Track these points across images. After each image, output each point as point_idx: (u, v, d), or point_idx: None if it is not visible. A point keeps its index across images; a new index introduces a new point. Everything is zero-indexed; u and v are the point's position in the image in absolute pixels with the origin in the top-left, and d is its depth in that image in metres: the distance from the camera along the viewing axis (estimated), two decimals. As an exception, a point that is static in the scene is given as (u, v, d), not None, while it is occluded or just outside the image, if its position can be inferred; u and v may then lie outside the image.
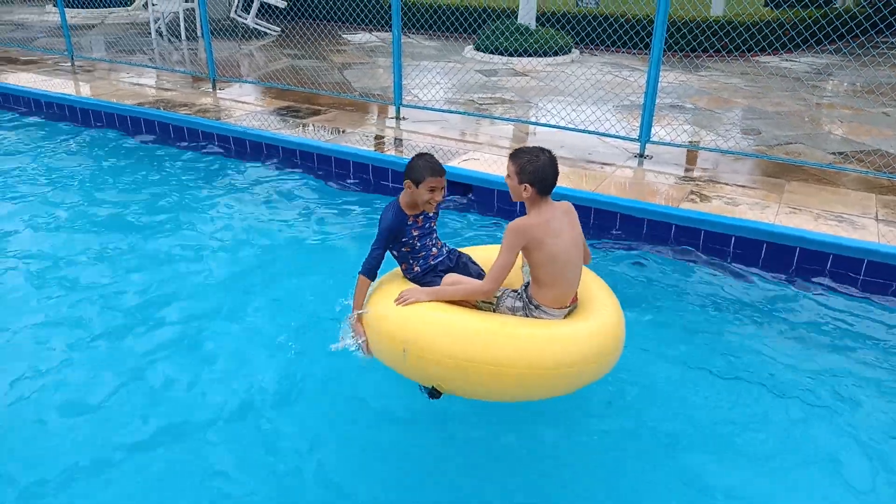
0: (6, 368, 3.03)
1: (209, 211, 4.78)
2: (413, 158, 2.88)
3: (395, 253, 3.03)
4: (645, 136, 5.39)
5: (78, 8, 12.40)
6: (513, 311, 2.76)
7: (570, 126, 5.79)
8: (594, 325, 2.60)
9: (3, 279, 3.81)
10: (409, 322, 2.58)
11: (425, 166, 2.81)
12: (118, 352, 3.18)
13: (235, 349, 3.23)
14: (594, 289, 2.86)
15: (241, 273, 3.96)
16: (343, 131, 5.97)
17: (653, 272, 4.06)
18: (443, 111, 6.56)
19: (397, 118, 6.38)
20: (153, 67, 8.38)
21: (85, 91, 7.17)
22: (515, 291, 2.81)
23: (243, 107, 6.72)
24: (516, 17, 10.24)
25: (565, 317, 2.72)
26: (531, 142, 5.87)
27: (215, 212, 4.76)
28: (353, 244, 4.31)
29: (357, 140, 5.72)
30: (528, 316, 2.72)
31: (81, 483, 2.47)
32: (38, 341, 3.25)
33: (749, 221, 4.21)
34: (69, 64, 8.39)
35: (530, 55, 9.41)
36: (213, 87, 7.37)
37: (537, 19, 10.26)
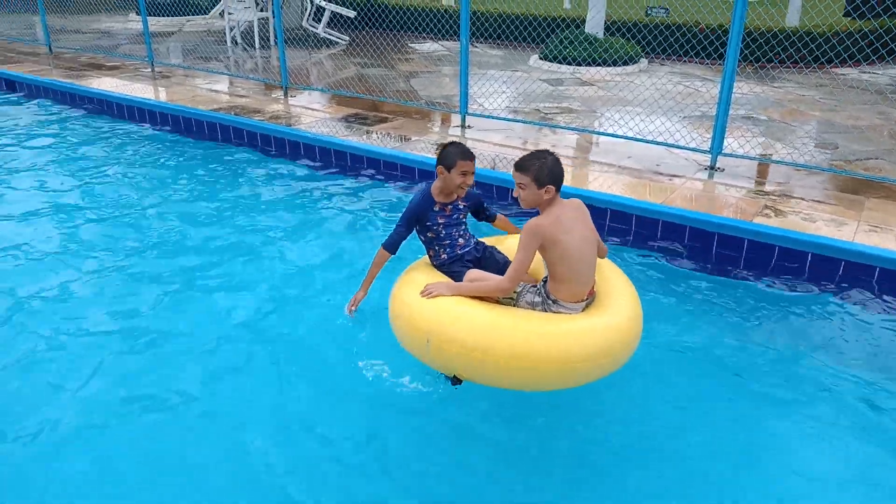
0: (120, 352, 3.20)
1: (277, 211, 4.92)
2: (444, 146, 3.04)
3: (422, 238, 3.20)
4: (717, 148, 5.26)
5: (158, 16, 12.96)
6: (532, 305, 2.85)
7: (638, 137, 5.70)
8: (608, 320, 2.70)
9: (90, 266, 4.02)
10: (433, 315, 2.71)
11: (456, 152, 2.99)
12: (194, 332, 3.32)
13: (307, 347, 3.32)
14: (613, 281, 2.95)
15: (310, 268, 4.08)
16: (409, 139, 6.05)
17: (724, 289, 3.95)
18: (508, 120, 6.56)
19: (462, 126, 6.42)
20: (228, 74, 8.69)
21: (163, 96, 7.49)
22: (535, 287, 2.91)
23: (313, 114, 6.89)
24: (584, 27, 10.16)
25: (583, 310, 2.81)
26: (596, 152, 5.81)
27: (283, 211, 4.90)
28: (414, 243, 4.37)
29: (422, 147, 5.79)
30: (546, 310, 2.81)
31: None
32: (127, 324, 3.41)
33: (827, 239, 4.05)
34: (149, 70, 8.78)
35: (597, 64, 9.32)
36: (285, 95, 7.58)
37: (605, 28, 10.15)
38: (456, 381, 2.82)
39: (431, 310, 2.74)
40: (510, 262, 3.04)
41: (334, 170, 5.82)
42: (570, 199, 2.85)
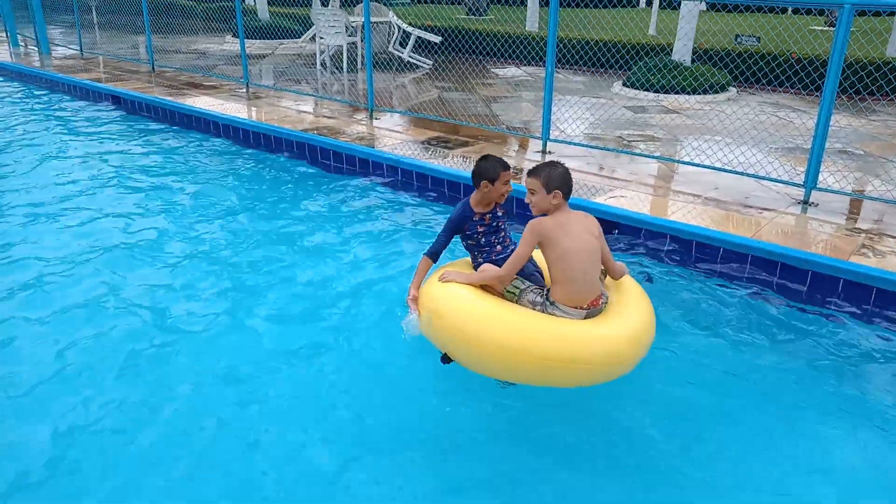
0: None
1: (354, 226, 5.06)
2: (480, 162, 3.24)
3: (464, 244, 3.44)
4: (811, 182, 5.05)
5: (253, 39, 13.59)
6: (532, 304, 3.02)
7: (726, 167, 5.55)
8: (592, 329, 2.83)
9: (181, 277, 4.23)
10: (436, 296, 3.08)
11: (497, 165, 3.19)
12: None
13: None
14: (627, 297, 3.08)
15: (387, 279, 4.18)
16: (490, 163, 6.09)
17: (817, 328, 3.77)
18: (590, 146, 6.51)
19: (543, 152, 6.42)
20: (317, 96, 9.00)
21: (256, 115, 7.83)
22: (539, 289, 3.08)
23: (396, 136, 7.04)
24: (670, 54, 10.01)
25: (585, 318, 2.94)
26: (679, 181, 5.68)
27: (362, 227, 5.02)
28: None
29: (503, 172, 5.81)
30: (543, 311, 2.96)
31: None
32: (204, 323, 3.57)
33: (932, 282, 3.81)
34: (244, 90, 9.20)
35: (683, 92, 9.14)
36: (370, 117, 7.78)
37: (693, 56, 9.96)
38: (445, 359, 3.09)
39: (436, 292, 3.09)
40: (538, 269, 3.35)
41: (414, 192, 5.92)
42: (583, 212, 3.05)
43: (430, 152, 6.40)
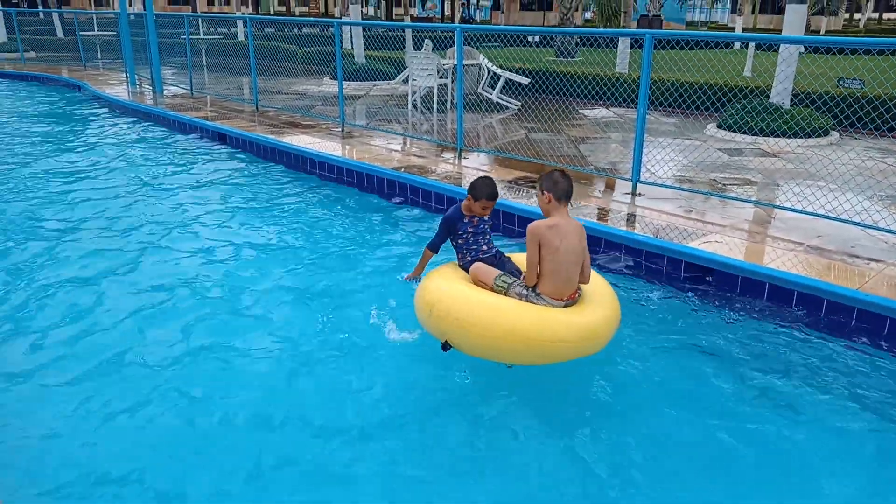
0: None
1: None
2: (478, 179, 3.90)
3: (454, 243, 4.02)
4: (925, 233, 4.73)
5: (349, 81, 14.17)
6: (519, 296, 3.55)
7: (830, 214, 5.29)
8: (571, 315, 3.42)
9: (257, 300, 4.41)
10: (436, 290, 3.62)
11: (485, 191, 3.86)
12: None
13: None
14: (599, 291, 3.70)
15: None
16: (578, 203, 6.06)
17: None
18: (683, 189, 6.37)
19: (633, 194, 6.32)
20: (407, 136, 9.26)
21: (350, 153, 8.13)
22: (522, 283, 3.62)
23: (484, 174, 7.12)
24: (767, 96, 9.71)
25: (564, 307, 3.52)
26: (778, 227, 5.45)
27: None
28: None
29: (589, 213, 5.76)
30: (528, 301, 3.51)
31: None
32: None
33: None
34: (339, 129, 9.59)
35: (781, 135, 8.82)
36: (459, 156, 7.92)
37: (792, 99, 9.62)
38: (445, 346, 3.55)
39: (435, 287, 3.66)
40: (517, 268, 3.95)
41: (499, 231, 5.95)
42: (577, 221, 3.59)
43: (516, 192, 6.43)
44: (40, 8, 28.48)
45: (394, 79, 13.43)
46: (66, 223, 6.17)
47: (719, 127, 9.59)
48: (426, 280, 3.82)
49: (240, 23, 22.75)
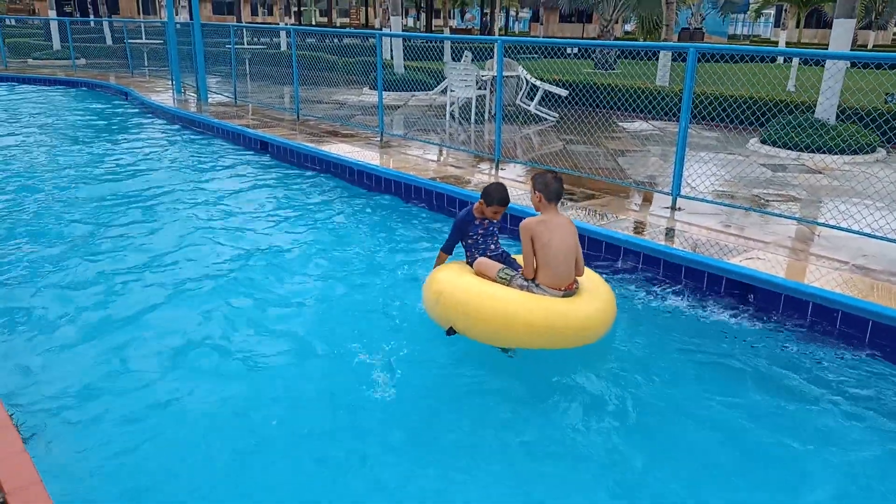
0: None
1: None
2: (491, 185, 4.15)
3: (463, 244, 4.31)
4: (978, 254, 4.59)
5: (388, 91, 14.32)
6: (521, 287, 3.87)
7: (876, 233, 5.16)
8: (570, 304, 3.75)
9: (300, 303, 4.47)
10: (443, 281, 3.99)
11: (496, 197, 4.10)
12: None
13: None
14: (595, 284, 4.04)
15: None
16: (616, 217, 6.02)
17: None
18: (724, 205, 6.28)
19: (673, 208, 6.25)
20: (444, 146, 9.31)
21: (387, 162, 8.21)
22: (523, 276, 3.93)
23: (520, 185, 7.13)
24: (811, 111, 9.52)
25: (562, 297, 3.83)
26: (822, 245, 5.33)
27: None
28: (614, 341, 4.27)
29: (626, 227, 5.72)
30: (529, 291, 3.83)
31: None
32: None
33: None
34: (378, 138, 9.69)
35: (826, 152, 8.64)
36: (496, 167, 7.94)
37: (837, 115, 9.42)
38: (451, 331, 3.88)
39: (443, 280, 4.00)
40: (521, 267, 4.11)
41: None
42: (566, 217, 3.97)
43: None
44: (91, 16, 29.43)
45: (432, 89, 13.54)
46: (111, 225, 6.35)
47: (762, 142, 9.44)
48: (434, 273, 4.18)
49: (283, 33, 23.19)
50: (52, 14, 24.15)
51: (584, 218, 5.94)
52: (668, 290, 5.00)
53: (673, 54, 15.12)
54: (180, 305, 4.66)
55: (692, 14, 34.44)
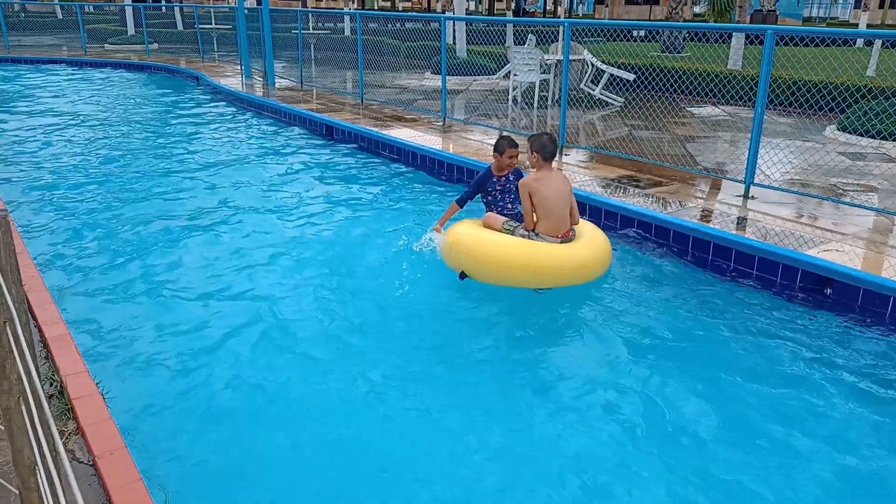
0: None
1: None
2: (498, 139, 4.77)
3: (483, 200, 4.92)
4: None
5: (450, 75, 14.30)
6: (523, 236, 4.45)
7: (968, 226, 4.88)
8: (567, 248, 4.36)
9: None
10: (456, 232, 4.63)
11: (506, 143, 4.72)
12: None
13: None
14: (590, 233, 4.60)
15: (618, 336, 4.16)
16: (684, 204, 5.87)
17: None
18: (800, 194, 6.05)
19: (745, 196, 6.05)
20: (506, 131, 9.25)
21: (449, 147, 8.22)
22: (524, 228, 4.50)
23: (585, 172, 7.03)
24: (894, 97, 9.04)
25: (560, 244, 4.41)
26: (908, 239, 5.08)
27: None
28: (673, 325, 4.19)
29: (694, 215, 5.57)
30: (531, 239, 4.41)
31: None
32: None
33: None
34: (440, 123, 9.70)
35: (911, 140, 8.19)
36: (560, 153, 7.84)
37: (924, 100, 8.90)
38: (462, 276, 4.49)
39: (456, 231, 4.64)
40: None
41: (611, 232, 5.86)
42: (559, 172, 4.57)
43: (620, 191, 6.30)
44: (163, 2, 30.40)
45: (494, 74, 13.43)
46: (185, 201, 6.58)
47: (841, 129, 9.02)
48: (449, 227, 4.78)
49: (346, 18, 23.41)
50: (128, 0, 25.03)
51: (652, 205, 5.82)
52: (740, 281, 4.87)
53: (746, 37, 14.57)
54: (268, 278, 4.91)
55: (765, -5, 33.01)
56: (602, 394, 3.53)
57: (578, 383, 3.64)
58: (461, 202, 4.89)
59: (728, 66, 14.17)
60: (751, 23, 24.84)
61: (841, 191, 6.34)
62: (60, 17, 31.77)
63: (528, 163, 4.59)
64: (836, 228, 5.29)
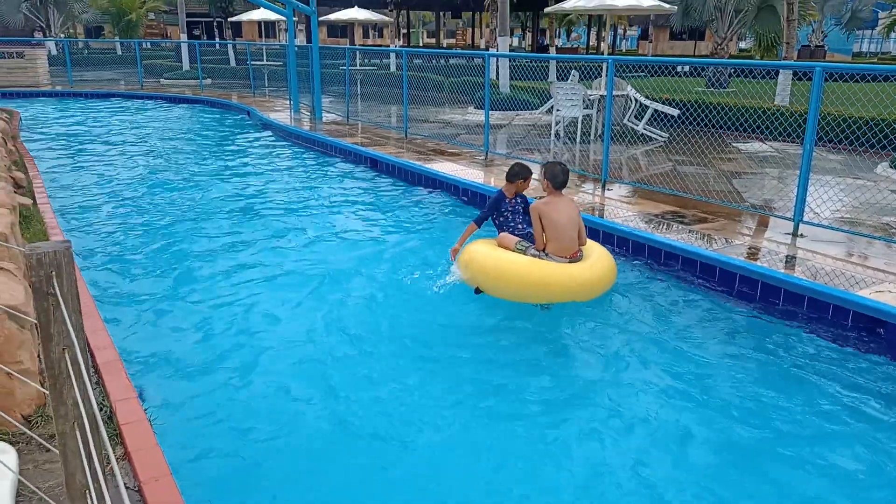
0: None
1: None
2: (513, 167, 5.30)
3: (495, 222, 5.32)
4: None
5: (493, 110, 14.45)
6: (534, 256, 4.80)
7: None
8: (575, 268, 4.74)
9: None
10: (472, 251, 5.04)
11: (518, 174, 5.26)
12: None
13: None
14: (597, 254, 4.96)
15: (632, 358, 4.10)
16: (732, 242, 5.78)
17: None
18: (851, 233, 5.89)
19: (794, 235, 5.92)
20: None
21: (490, 181, 8.27)
22: (536, 249, 4.89)
23: (628, 207, 6.99)
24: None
25: (569, 263, 4.80)
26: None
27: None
28: (723, 366, 4.10)
29: (741, 253, 5.47)
30: (542, 259, 4.80)
31: None
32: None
33: None
34: (482, 157, 9.79)
35: (969, 178, 7.92)
36: (603, 188, 7.82)
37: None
38: (478, 291, 4.93)
39: (472, 250, 5.05)
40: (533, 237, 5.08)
41: (645, 268, 5.79)
42: (568, 197, 5.01)
43: (664, 227, 6.24)
44: (217, 40, 31.59)
45: (536, 109, 13.52)
46: (235, 230, 6.76)
47: (893, 167, 8.79)
48: (465, 247, 5.15)
49: (392, 55, 23.95)
50: (184, 37, 26.13)
51: (696, 241, 5.74)
52: (787, 321, 4.74)
53: (794, 73, 14.39)
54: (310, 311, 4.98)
55: (813, 31, 32.62)
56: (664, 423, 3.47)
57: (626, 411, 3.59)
58: (478, 221, 5.34)
59: (775, 102, 13.99)
60: (798, 58, 24.55)
61: (894, 230, 6.15)
62: (119, 52, 33.29)
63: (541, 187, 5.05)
64: (888, 269, 5.13)
